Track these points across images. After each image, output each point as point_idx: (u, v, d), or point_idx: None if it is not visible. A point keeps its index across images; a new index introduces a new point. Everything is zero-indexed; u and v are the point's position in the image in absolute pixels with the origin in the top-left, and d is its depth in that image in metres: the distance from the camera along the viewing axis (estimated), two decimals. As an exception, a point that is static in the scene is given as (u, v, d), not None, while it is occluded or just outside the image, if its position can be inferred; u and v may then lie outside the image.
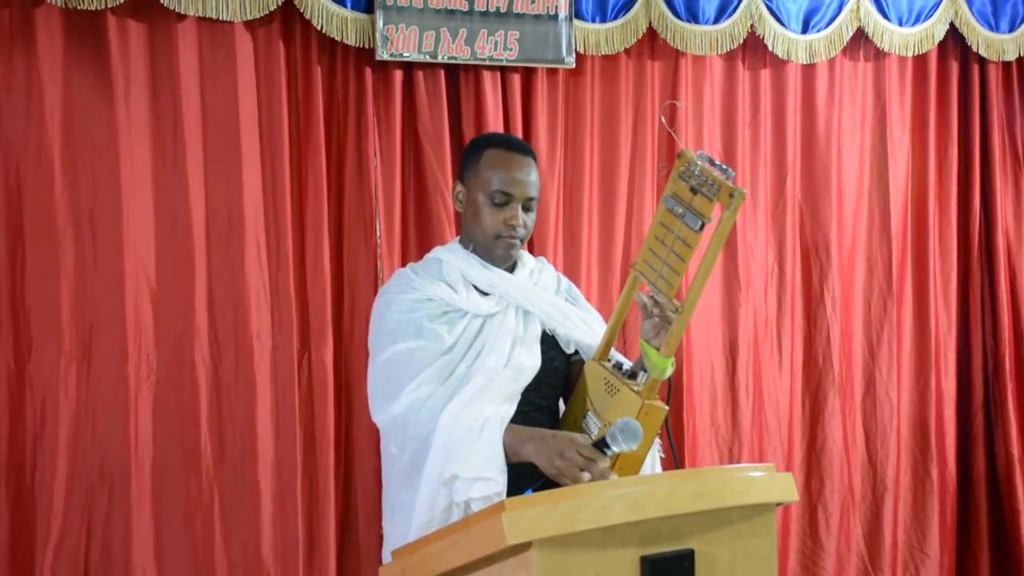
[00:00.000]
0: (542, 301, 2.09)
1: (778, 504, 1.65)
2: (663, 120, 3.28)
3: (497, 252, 2.07)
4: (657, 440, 1.92)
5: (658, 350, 1.81)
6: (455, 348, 1.99)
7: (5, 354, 2.64)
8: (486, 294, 2.07)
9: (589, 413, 1.86)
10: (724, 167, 1.73)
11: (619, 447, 1.65)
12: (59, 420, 2.66)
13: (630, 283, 1.94)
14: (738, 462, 3.35)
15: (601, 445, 1.67)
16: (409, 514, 1.89)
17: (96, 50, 2.69)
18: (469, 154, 2.13)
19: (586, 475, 1.69)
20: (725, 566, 1.55)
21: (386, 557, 2.01)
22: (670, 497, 1.51)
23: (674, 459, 1.96)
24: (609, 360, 1.96)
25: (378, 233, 2.96)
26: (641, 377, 1.83)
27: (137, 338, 2.73)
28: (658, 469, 2.06)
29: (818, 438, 3.55)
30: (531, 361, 2.00)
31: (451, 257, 2.11)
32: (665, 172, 3.20)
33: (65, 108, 2.67)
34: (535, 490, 1.66)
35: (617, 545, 1.46)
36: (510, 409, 1.90)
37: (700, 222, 1.74)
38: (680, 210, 1.78)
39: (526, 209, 2.06)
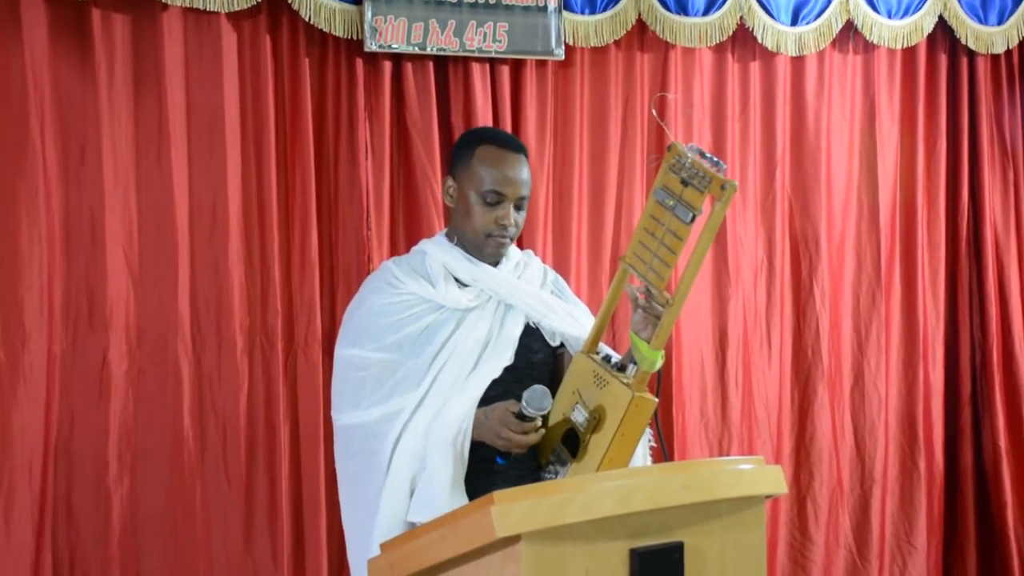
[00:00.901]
0: (525, 295, 2.08)
1: (767, 497, 1.64)
2: (654, 113, 3.27)
3: (487, 250, 2.06)
4: (647, 432, 1.92)
5: (648, 342, 1.80)
6: (428, 346, 1.99)
7: None
8: (467, 286, 2.06)
9: (578, 406, 1.86)
10: (715, 159, 1.72)
11: (533, 413, 1.84)
12: (48, 412, 2.65)
13: (619, 276, 1.93)
14: (727, 455, 3.35)
15: (521, 417, 1.85)
16: (370, 512, 1.94)
17: (81, 41, 2.68)
18: (461, 149, 2.10)
19: (530, 438, 1.86)
20: (714, 559, 1.54)
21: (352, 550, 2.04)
22: (659, 490, 1.50)
23: (663, 452, 1.96)
24: (598, 353, 1.95)
25: (368, 226, 2.95)
26: (631, 370, 1.83)
27: (120, 330, 2.72)
28: (648, 461, 2.06)
29: (807, 431, 3.55)
30: (496, 366, 2.00)
31: (435, 250, 2.10)
32: (655, 164, 3.19)
33: (50, 99, 2.66)
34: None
35: (606, 538, 1.46)
36: (470, 425, 1.93)
37: (691, 214, 1.73)
38: (671, 202, 1.77)
39: (517, 208, 2.04)
